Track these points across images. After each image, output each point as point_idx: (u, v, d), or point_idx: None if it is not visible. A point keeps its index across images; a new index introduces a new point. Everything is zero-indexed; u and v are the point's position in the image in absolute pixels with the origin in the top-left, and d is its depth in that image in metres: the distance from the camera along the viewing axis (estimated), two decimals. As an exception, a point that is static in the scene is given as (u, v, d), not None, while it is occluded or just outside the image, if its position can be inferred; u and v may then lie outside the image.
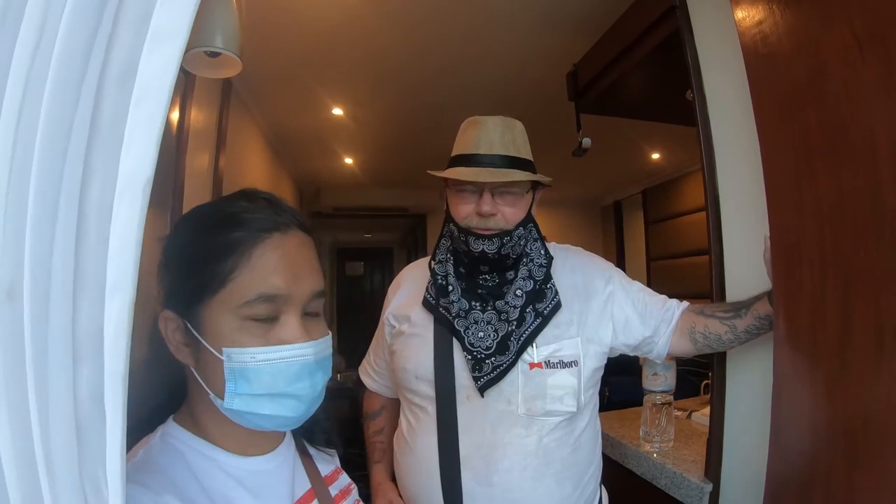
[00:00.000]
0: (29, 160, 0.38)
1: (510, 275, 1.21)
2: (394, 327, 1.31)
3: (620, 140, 3.63)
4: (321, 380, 0.68)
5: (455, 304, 1.19)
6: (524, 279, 1.20)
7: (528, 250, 1.23)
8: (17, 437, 0.37)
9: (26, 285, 0.37)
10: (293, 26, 2.27)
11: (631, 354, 1.34)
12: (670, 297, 1.33)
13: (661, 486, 1.51)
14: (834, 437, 0.90)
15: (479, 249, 1.16)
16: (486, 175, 1.12)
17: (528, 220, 1.21)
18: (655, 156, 4.47)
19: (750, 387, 1.32)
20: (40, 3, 0.39)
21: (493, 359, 1.15)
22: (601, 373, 1.26)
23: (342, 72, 2.79)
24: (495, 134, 1.16)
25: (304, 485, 0.76)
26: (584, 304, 1.23)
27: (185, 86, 2.01)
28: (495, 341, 1.16)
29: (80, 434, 0.38)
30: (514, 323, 1.17)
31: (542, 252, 1.25)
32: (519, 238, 1.18)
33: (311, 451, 0.84)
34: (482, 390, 1.14)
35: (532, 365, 1.16)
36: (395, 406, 1.42)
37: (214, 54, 1.51)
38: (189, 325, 0.65)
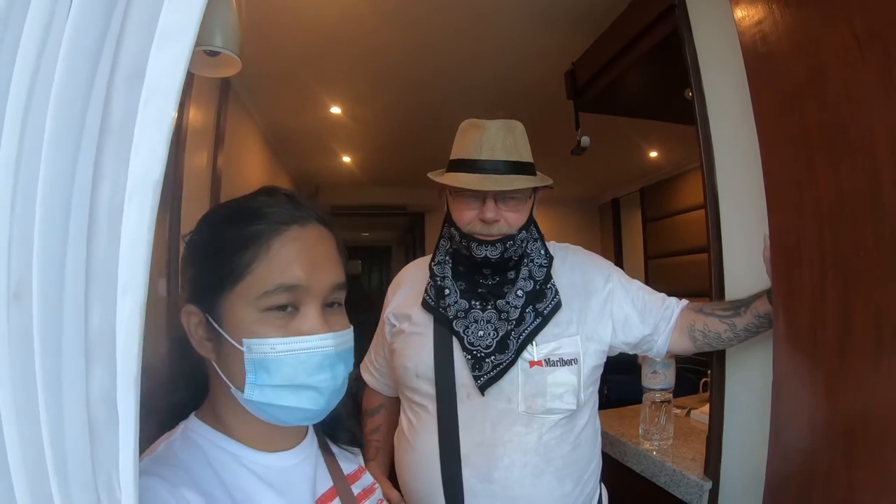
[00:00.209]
0: (37, 161, 0.38)
1: (511, 275, 1.21)
2: (394, 326, 1.32)
3: (618, 138, 3.64)
4: (342, 372, 0.68)
5: (453, 305, 1.20)
6: (525, 279, 1.21)
7: (528, 250, 1.23)
8: (26, 439, 0.37)
9: (35, 286, 0.37)
10: (291, 25, 2.26)
11: (630, 353, 1.34)
12: (668, 295, 1.33)
13: (661, 484, 1.52)
14: (833, 435, 0.91)
15: (482, 255, 1.16)
16: (489, 183, 1.11)
17: (530, 223, 1.22)
18: (653, 154, 4.48)
19: (749, 385, 1.32)
20: (45, 2, 0.39)
21: (492, 357, 1.15)
22: (601, 371, 1.26)
23: (340, 70, 2.78)
24: (497, 138, 1.16)
25: (326, 483, 0.75)
26: (583, 303, 1.24)
27: (184, 85, 2.00)
28: (495, 340, 1.17)
29: (92, 436, 0.38)
30: (514, 322, 1.17)
31: (543, 252, 1.25)
32: (521, 241, 1.19)
33: (334, 449, 0.84)
34: (482, 389, 1.15)
35: (532, 363, 1.17)
36: (393, 405, 1.42)
37: (214, 53, 1.51)
38: (210, 319, 0.66)
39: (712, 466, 1.38)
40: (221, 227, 0.69)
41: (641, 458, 1.62)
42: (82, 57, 0.39)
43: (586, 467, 1.21)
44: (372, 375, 1.46)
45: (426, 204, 6.01)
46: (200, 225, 0.72)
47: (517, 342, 1.16)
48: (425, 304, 1.25)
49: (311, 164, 4.80)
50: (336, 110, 3.36)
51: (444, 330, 1.21)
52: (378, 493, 0.86)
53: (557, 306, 1.20)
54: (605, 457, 1.35)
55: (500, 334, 1.17)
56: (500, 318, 1.18)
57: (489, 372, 1.14)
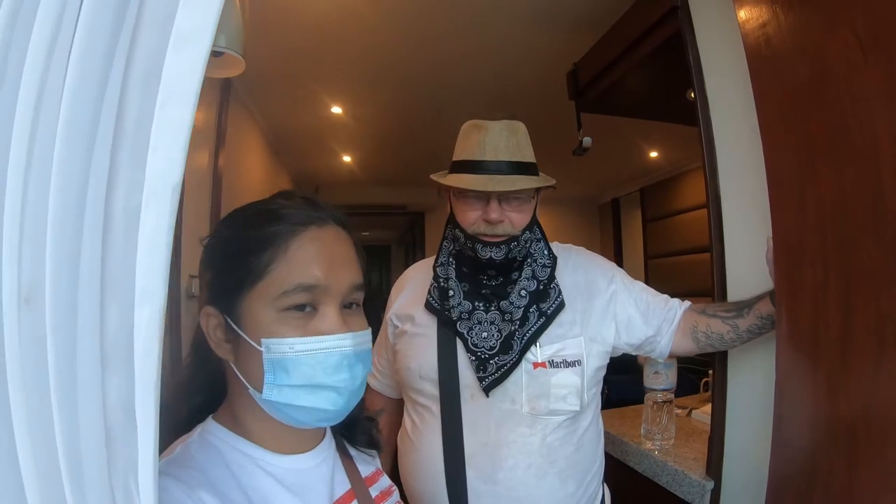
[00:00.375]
0: (48, 164, 0.38)
1: (514, 275, 1.22)
2: (397, 327, 1.32)
3: (618, 138, 3.63)
4: (361, 373, 0.68)
5: (456, 307, 1.20)
6: (528, 279, 1.21)
7: (531, 251, 1.23)
8: (39, 446, 0.37)
9: (48, 290, 0.37)
10: (292, 24, 2.26)
11: (633, 353, 1.34)
12: (668, 295, 1.34)
13: (663, 484, 1.52)
14: (836, 435, 0.91)
15: (487, 256, 1.16)
16: (494, 184, 1.11)
17: (534, 223, 1.22)
18: (653, 154, 4.48)
19: (751, 385, 1.33)
20: (55, 2, 0.39)
21: (496, 358, 1.15)
22: (604, 372, 1.27)
23: (341, 69, 2.78)
24: (500, 139, 1.16)
25: (343, 485, 0.75)
26: (587, 304, 1.24)
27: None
28: (499, 341, 1.17)
29: (109, 443, 0.37)
30: (518, 322, 1.17)
31: (546, 252, 1.25)
32: (525, 242, 1.19)
33: (352, 451, 0.84)
34: (487, 390, 1.15)
35: (536, 364, 1.17)
36: (394, 407, 1.42)
37: (217, 54, 1.51)
38: (229, 320, 0.66)
39: (714, 466, 1.39)
40: (239, 229, 0.70)
41: (643, 457, 1.62)
42: (94, 58, 0.39)
43: (589, 468, 1.21)
44: (374, 377, 1.46)
45: (426, 203, 6.00)
46: (218, 228, 0.73)
47: (521, 343, 1.16)
48: (429, 306, 1.25)
49: (312, 164, 4.80)
50: (337, 110, 3.36)
51: (448, 331, 1.21)
52: (396, 496, 0.86)
53: (561, 306, 1.20)
54: (607, 457, 1.35)
55: (504, 335, 1.17)
56: (503, 320, 1.18)
57: (493, 373, 1.14)
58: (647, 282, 1.35)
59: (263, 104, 3.25)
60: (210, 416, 0.72)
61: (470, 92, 3.02)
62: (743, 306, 1.22)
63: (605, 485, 1.31)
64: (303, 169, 4.95)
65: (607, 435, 1.68)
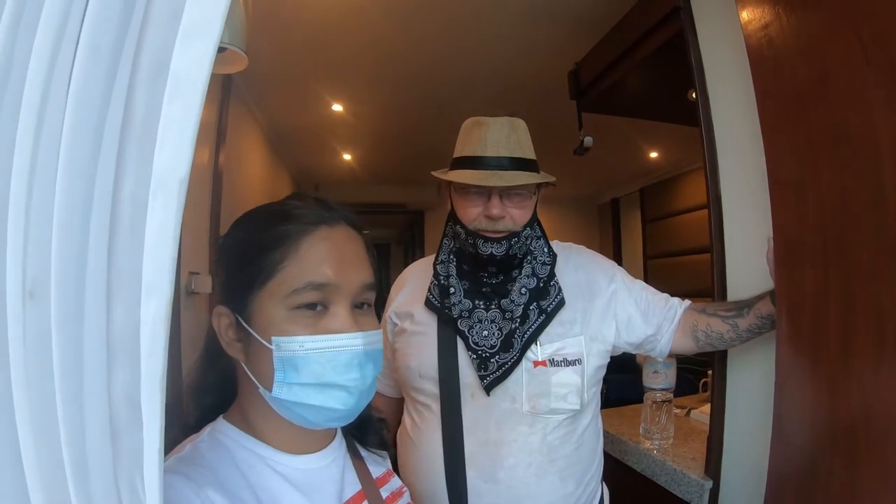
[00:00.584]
0: (54, 157, 0.38)
1: (514, 273, 1.22)
2: (396, 325, 1.31)
3: (619, 138, 3.64)
4: (371, 372, 0.68)
5: (457, 305, 1.20)
6: (528, 277, 1.21)
7: (531, 248, 1.23)
8: (42, 441, 0.37)
9: (53, 285, 0.37)
10: (293, 21, 2.26)
11: (633, 352, 1.35)
12: (668, 295, 1.34)
13: (662, 483, 1.52)
14: (835, 435, 0.91)
15: (488, 252, 1.16)
16: (495, 179, 1.11)
17: (534, 220, 1.22)
18: (653, 154, 4.48)
19: (750, 384, 1.33)
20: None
21: (497, 357, 1.15)
22: (604, 371, 1.27)
23: (342, 66, 2.77)
24: (501, 135, 1.16)
25: (354, 486, 0.75)
26: (587, 303, 1.24)
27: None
28: (499, 339, 1.17)
29: (115, 438, 0.37)
30: (518, 320, 1.17)
31: (546, 250, 1.25)
32: (526, 238, 1.19)
33: (363, 452, 0.84)
34: (488, 389, 1.15)
35: (536, 363, 1.17)
36: (391, 407, 1.42)
37: (220, 49, 1.51)
38: (240, 319, 0.66)
39: (713, 466, 1.39)
40: (251, 229, 0.70)
41: (642, 457, 1.63)
42: (102, 51, 0.39)
43: (589, 467, 1.22)
44: None
45: (426, 202, 6.00)
46: (231, 229, 0.73)
47: (521, 340, 1.16)
48: (429, 304, 1.25)
49: (312, 162, 4.80)
50: (338, 108, 3.35)
51: (449, 329, 1.21)
52: (406, 497, 0.86)
53: (561, 303, 1.21)
54: (606, 456, 1.36)
55: (505, 333, 1.17)
56: (504, 318, 1.18)
57: (495, 371, 1.15)
58: (646, 282, 1.35)
59: (264, 101, 3.24)
60: (221, 416, 0.72)
61: (470, 90, 3.02)
62: (743, 306, 1.22)
63: (603, 484, 1.31)
64: (303, 167, 4.95)
65: (606, 434, 1.69)
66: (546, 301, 1.20)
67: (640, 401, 1.75)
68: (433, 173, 1.24)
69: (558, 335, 1.19)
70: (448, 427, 1.17)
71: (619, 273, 1.32)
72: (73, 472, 0.37)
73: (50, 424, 0.37)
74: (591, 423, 1.24)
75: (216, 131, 2.46)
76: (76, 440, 0.37)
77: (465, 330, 1.18)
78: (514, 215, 1.16)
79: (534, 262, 1.23)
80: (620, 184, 5.78)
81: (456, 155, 1.21)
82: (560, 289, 1.22)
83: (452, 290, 1.21)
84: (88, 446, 0.38)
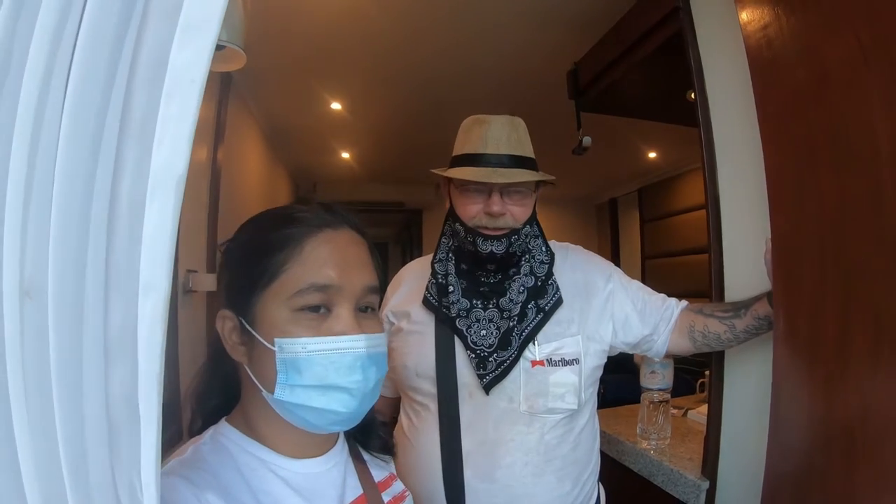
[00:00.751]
0: (52, 156, 0.37)
1: (512, 272, 1.22)
2: (392, 324, 1.31)
3: (617, 138, 3.63)
4: (374, 375, 0.68)
5: (455, 304, 1.20)
6: (526, 275, 1.21)
7: (530, 247, 1.23)
8: (39, 440, 0.36)
9: (50, 283, 0.37)
10: (292, 18, 2.25)
11: (630, 352, 1.35)
12: (665, 295, 1.34)
13: (658, 483, 1.53)
14: (832, 436, 0.91)
15: (488, 250, 1.16)
16: (497, 176, 1.11)
17: (533, 218, 1.22)
18: (652, 154, 4.48)
19: (747, 385, 1.33)
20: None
21: (496, 355, 1.15)
22: (601, 371, 1.27)
23: (341, 66, 2.77)
24: (502, 133, 1.16)
25: (355, 490, 0.75)
26: (584, 303, 1.24)
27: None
28: (497, 338, 1.17)
29: (112, 437, 0.37)
30: (516, 319, 1.17)
31: (544, 249, 1.25)
32: (525, 236, 1.19)
33: (366, 456, 0.84)
34: (488, 388, 1.15)
35: (534, 363, 1.17)
36: (388, 406, 1.41)
37: (219, 47, 1.50)
38: (244, 321, 0.67)
39: (710, 466, 1.39)
40: (256, 232, 0.71)
41: (639, 457, 1.63)
42: (101, 48, 0.38)
43: (585, 467, 1.22)
44: None
45: (424, 201, 6.00)
46: (237, 233, 0.74)
47: (519, 339, 1.16)
48: (426, 303, 1.24)
49: (310, 160, 4.79)
50: (336, 106, 3.35)
51: (446, 328, 1.21)
52: (409, 501, 0.86)
53: (559, 302, 1.21)
54: (603, 456, 1.36)
55: (502, 332, 1.17)
56: (501, 317, 1.18)
57: (494, 370, 1.14)
58: (643, 282, 1.35)
59: (262, 99, 3.24)
60: (223, 419, 0.72)
61: (469, 89, 3.02)
62: (740, 306, 1.22)
63: (600, 484, 1.31)
64: (301, 165, 4.94)
65: (603, 434, 1.68)
66: (544, 300, 1.20)
67: (637, 401, 1.76)
68: (433, 170, 1.24)
69: (556, 335, 1.19)
70: (445, 426, 1.17)
71: (616, 273, 1.32)
72: (70, 471, 0.37)
73: (47, 423, 0.37)
74: (588, 423, 1.25)
75: (214, 129, 2.45)
76: (73, 439, 0.37)
77: (464, 329, 1.18)
78: (515, 213, 1.16)
79: (532, 261, 1.23)
80: (619, 184, 5.78)
81: (456, 153, 1.21)
82: (558, 288, 1.22)
83: (451, 288, 1.21)
84: (86, 445, 0.37)
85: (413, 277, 1.34)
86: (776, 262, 1.06)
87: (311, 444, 0.73)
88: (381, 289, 0.76)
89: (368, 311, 0.72)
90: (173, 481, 0.59)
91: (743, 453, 1.31)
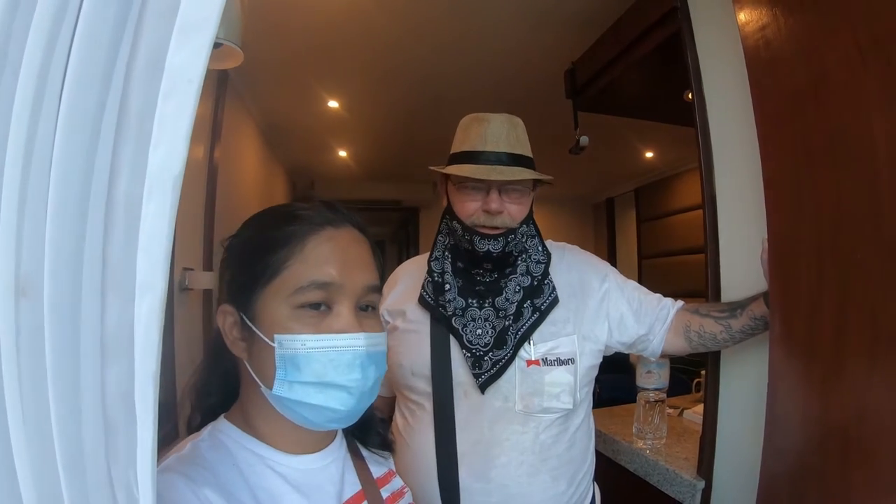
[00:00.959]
0: (48, 154, 0.37)
1: (508, 271, 1.22)
2: (388, 323, 1.31)
3: (614, 138, 3.64)
4: (373, 374, 0.68)
5: (451, 302, 1.20)
6: (522, 275, 1.21)
7: (526, 246, 1.23)
8: (34, 439, 0.36)
9: (46, 282, 0.37)
10: (290, 16, 2.25)
11: (626, 352, 1.35)
12: (661, 295, 1.34)
13: (654, 483, 1.53)
14: (828, 436, 0.92)
15: (485, 249, 1.16)
16: (495, 174, 1.11)
17: (530, 217, 1.22)
18: (649, 154, 4.49)
19: (743, 385, 1.33)
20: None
21: (491, 354, 1.15)
22: (596, 371, 1.27)
23: (338, 64, 2.76)
24: (501, 131, 1.16)
25: (354, 486, 0.75)
26: (580, 303, 1.24)
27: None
28: (493, 337, 1.17)
29: (108, 435, 0.37)
30: (512, 318, 1.17)
31: (540, 249, 1.25)
32: (522, 236, 1.19)
33: (364, 452, 0.84)
34: (483, 387, 1.15)
35: (529, 362, 1.17)
36: (384, 406, 1.41)
37: (216, 45, 1.50)
38: (244, 317, 0.67)
39: (705, 466, 1.39)
40: (259, 229, 0.71)
41: (635, 456, 1.63)
42: (98, 46, 0.38)
43: (580, 466, 1.22)
44: None
45: (421, 199, 5.99)
46: (240, 229, 0.74)
47: (515, 338, 1.16)
48: (422, 301, 1.24)
49: (307, 158, 4.78)
50: (333, 104, 3.34)
51: (442, 327, 1.20)
52: (408, 497, 0.86)
53: (555, 302, 1.21)
54: (599, 455, 1.36)
55: (498, 331, 1.17)
56: (497, 316, 1.18)
57: (489, 370, 1.14)
58: (640, 282, 1.35)
59: (259, 97, 3.23)
60: (222, 416, 0.72)
61: (466, 88, 3.02)
62: (736, 307, 1.22)
63: (595, 484, 1.31)
64: (298, 163, 4.93)
65: (599, 434, 1.69)
66: (540, 299, 1.20)
67: (633, 401, 1.76)
68: (431, 167, 1.24)
69: (551, 334, 1.20)
70: (440, 426, 1.17)
71: (612, 273, 1.32)
72: (66, 469, 0.37)
73: (43, 422, 0.37)
74: (584, 423, 1.25)
75: (211, 127, 2.44)
76: (69, 437, 0.37)
77: (460, 328, 1.18)
78: (512, 211, 1.16)
79: (528, 260, 1.23)
80: (615, 183, 5.79)
81: (454, 150, 1.21)
82: (554, 287, 1.22)
83: (447, 287, 1.21)
84: (82, 444, 0.37)
85: (409, 276, 1.34)
86: (773, 262, 1.06)
87: (309, 441, 0.73)
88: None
89: (369, 309, 0.72)
90: (171, 478, 0.59)
91: (738, 453, 1.31)
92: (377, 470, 0.83)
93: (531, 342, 1.18)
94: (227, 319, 0.69)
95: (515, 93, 3.05)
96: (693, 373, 2.42)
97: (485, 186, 1.15)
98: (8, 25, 0.37)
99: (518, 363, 1.17)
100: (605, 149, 3.71)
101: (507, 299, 1.18)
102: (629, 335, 1.28)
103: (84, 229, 0.38)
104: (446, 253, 1.25)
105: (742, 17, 1.08)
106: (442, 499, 1.14)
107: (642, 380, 1.72)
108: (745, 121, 1.16)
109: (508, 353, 1.16)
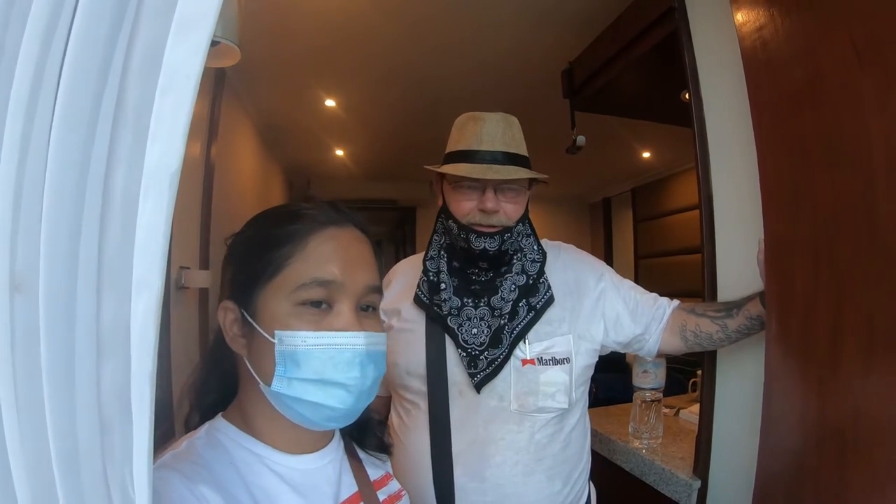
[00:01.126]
0: (44, 150, 0.37)
1: (504, 270, 1.21)
2: (383, 322, 1.30)
3: (611, 138, 3.64)
4: (372, 373, 0.68)
5: (447, 301, 1.19)
6: (517, 274, 1.21)
7: (522, 245, 1.23)
8: (29, 437, 0.36)
9: (42, 278, 0.37)
10: (287, 14, 2.24)
11: (622, 352, 1.35)
12: (658, 295, 1.34)
13: (650, 483, 1.53)
14: (824, 436, 0.92)
15: (481, 247, 1.16)
16: (491, 173, 1.11)
17: (525, 216, 1.22)
18: (646, 154, 4.49)
19: (739, 385, 1.34)
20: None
21: (486, 353, 1.15)
22: (592, 370, 1.27)
23: (335, 63, 2.76)
24: (497, 130, 1.16)
25: (350, 487, 0.75)
26: (575, 302, 1.24)
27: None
28: (488, 336, 1.17)
29: (104, 434, 0.37)
30: (507, 317, 1.17)
31: (536, 247, 1.25)
32: (518, 234, 1.19)
33: (361, 454, 0.84)
34: (479, 387, 1.15)
35: (525, 361, 1.17)
36: (380, 405, 1.41)
37: (213, 43, 1.49)
38: (245, 313, 0.67)
39: (701, 465, 1.40)
40: (262, 227, 0.72)
41: (631, 456, 1.63)
42: (95, 42, 0.38)
43: (576, 466, 1.22)
44: None
45: (417, 198, 5.99)
46: (244, 227, 0.75)
47: (510, 337, 1.16)
48: (417, 300, 1.24)
49: (304, 157, 4.78)
50: (330, 103, 3.34)
51: (437, 327, 1.20)
52: (405, 500, 0.86)
53: (550, 300, 1.21)
54: (594, 455, 1.36)
55: (493, 330, 1.17)
56: (493, 315, 1.18)
57: (485, 369, 1.14)
58: (636, 282, 1.35)
59: (256, 96, 3.22)
60: (219, 414, 0.72)
61: (463, 87, 3.02)
62: (732, 306, 1.23)
63: (591, 483, 1.31)
64: (295, 162, 4.93)
65: (595, 433, 1.69)
66: (535, 298, 1.20)
67: (629, 400, 1.76)
68: (427, 166, 1.24)
69: (547, 333, 1.19)
70: (436, 425, 1.16)
71: (608, 272, 1.32)
72: (61, 467, 0.37)
73: (38, 420, 0.36)
74: (579, 422, 1.25)
75: (208, 125, 2.44)
76: (65, 436, 0.37)
77: (455, 327, 1.18)
78: (508, 210, 1.16)
79: (524, 259, 1.23)
80: (612, 183, 5.79)
81: (450, 149, 1.21)
82: (549, 286, 1.22)
83: (443, 286, 1.20)
84: (77, 442, 0.37)
85: (404, 275, 1.34)
86: (769, 262, 1.06)
87: (306, 440, 0.73)
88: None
89: (370, 310, 0.73)
90: (166, 474, 0.59)
91: (735, 453, 1.32)
92: (374, 472, 0.83)
93: (526, 341, 1.18)
94: (227, 316, 0.69)
95: (513, 92, 3.05)
96: (689, 372, 2.43)
97: (480, 186, 1.15)
98: (5, 19, 0.37)
99: (513, 362, 1.17)
100: (602, 149, 3.72)
101: (503, 298, 1.18)
102: (625, 335, 1.28)
103: (80, 225, 0.38)
104: (442, 252, 1.25)
105: (739, 17, 1.09)
106: (437, 498, 1.13)
107: (638, 379, 1.73)
108: (741, 121, 1.17)
109: (504, 352, 1.15)
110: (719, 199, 1.40)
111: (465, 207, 1.16)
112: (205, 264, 2.27)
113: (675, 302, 1.32)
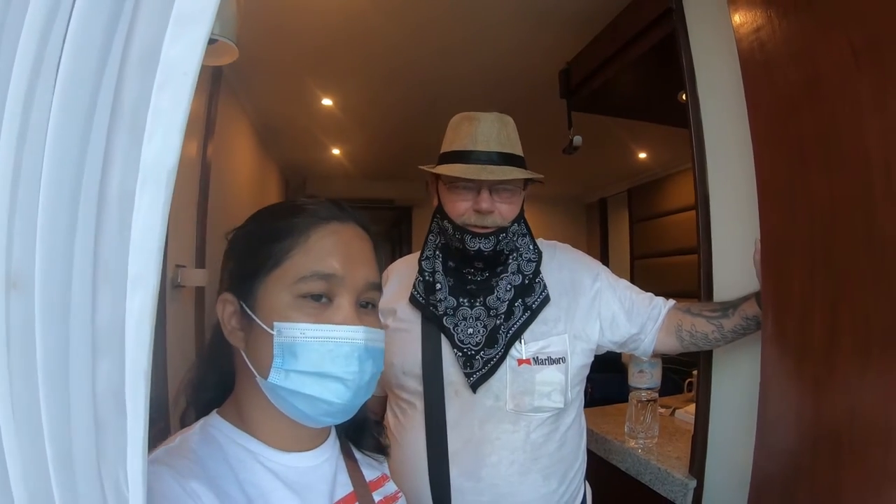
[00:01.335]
0: (41, 148, 0.37)
1: (499, 269, 1.21)
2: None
3: (607, 138, 3.64)
4: (370, 369, 0.68)
5: (442, 301, 1.19)
6: (513, 273, 1.21)
7: (517, 245, 1.23)
8: (24, 435, 0.36)
9: (38, 276, 0.36)
10: (285, 12, 2.24)
11: (617, 351, 1.35)
12: (654, 295, 1.35)
13: (646, 482, 1.53)
14: (820, 436, 0.92)
15: (476, 248, 1.15)
16: (486, 173, 1.11)
17: (521, 216, 1.22)
18: (642, 155, 4.50)
19: (735, 385, 1.34)
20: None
21: (482, 353, 1.15)
22: (588, 370, 1.27)
23: (333, 62, 2.76)
24: (492, 130, 1.16)
25: (345, 487, 0.75)
26: (571, 301, 1.24)
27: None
28: (484, 336, 1.17)
29: (99, 432, 0.37)
30: (503, 317, 1.17)
31: (532, 247, 1.25)
32: (513, 234, 1.19)
33: (357, 455, 0.84)
34: (475, 387, 1.15)
35: (521, 361, 1.17)
36: (376, 404, 1.41)
37: (211, 41, 1.49)
38: (244, 305, 0.67)
39: (697, 465, 1.40)
40: (264, 220, 0.72)
41: (626, 455, 1.64)
42: (92, 38, 0.38)
43: (572, 465, 1.22)
44: None
45: (414, 198, 5.98)
46: (247, 221, 0.75)
47: (506, 336, 1.16)
48: (413, 300, 1.24)
49: (301, 156, 4.77)
50: (327, 102, 3.33)
51: (433, 326, 1.20)
52: (402, 502, 0.85)
53: (546, 300, 1.21)
54: (590, 454, 1.36)
55: (489, 329, 1.17)
56: (488, 315, 1.18)
57: (481, 369, 1.14)
58: (632, 282, 1.35)
59: (253, 94, 3.22)
60: (214, 410, 0.72)
61: (460, 86, 3.01)
62: (728, 307, 1.23)
63: (586, 482, 1.31)
64: (291, 161, 4.92)
65: (591, 433, 1.70)
66: (531, 298, 1.20)
67: (625, 400, 1.76)
68: (422, 167, 1.24)
69: (542, 333, 1.19)
70: (432, 425, 1.16)
71: (604, 272, 1.32)
72: (56, 466, 0.37)
73: (33, 418, 0.36)
74: (575, 422, 1.25)
75: (205, 123, 2.43)
76: (60, 434, 0.37)
77: (451, 327, 1.18)
78: (503, 210, 1.16)
79: (519, 259, 1.23)
80: (608, 184, 5.80)
81: (445, 149, 1.21)
82: (545, 286, 1.22)
83: (438, 286, 1.20)
84: (72, 440, 0.37)
85: (400, 275, 1.34)
86: (765, 262, 1.07)
87: (302, 438, 0.72)
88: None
89: (369, 307, 0.73)
90: (157, 469, 0.58)
91: (730, 453, 1.32)
92: (370, 473, 0.82)
93: (522, 341, 1.18)
94: (226, 308, 0.69)
95: (510, 92, 3.05)
96: (685, 372, 2.43)
97: (475, 186, 1.15)
98: (2, 15, 0.37)
99: (509, 362, 1.17)
100: (598, 149, 3.72)
101: (499, 298, 1.18)
102: (621, 334, 1.28)
103: (76, 222, 0.37)
104: (437, 252, 1.25)
105: (737, 18, 1.09)
106: (433, 498, 1.13)
107: (634, 379, 1.73)
108: (738, 122, 1.17)
109: (499, 352, 1.15)
110: (716, 200, 1.40)
111: (460, 208, 1.16)
112: (201, 262, 2.26)
113: (671, 302, 1.32)
